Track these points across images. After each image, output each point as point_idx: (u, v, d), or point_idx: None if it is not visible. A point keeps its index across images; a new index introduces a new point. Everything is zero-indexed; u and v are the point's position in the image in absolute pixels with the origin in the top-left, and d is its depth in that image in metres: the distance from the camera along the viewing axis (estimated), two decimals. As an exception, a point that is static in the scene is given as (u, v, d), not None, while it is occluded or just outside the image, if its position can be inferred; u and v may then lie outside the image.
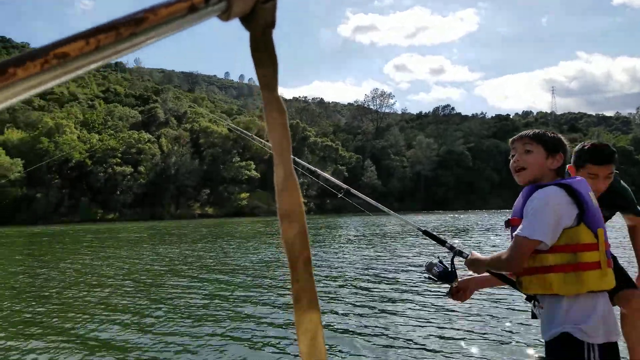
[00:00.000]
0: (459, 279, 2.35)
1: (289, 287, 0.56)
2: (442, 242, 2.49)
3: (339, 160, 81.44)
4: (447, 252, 2.45)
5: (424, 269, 2.37)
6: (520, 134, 2.16)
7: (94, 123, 69.68)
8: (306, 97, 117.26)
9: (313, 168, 3.42)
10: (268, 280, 9.76)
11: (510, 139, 2.18)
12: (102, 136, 66.18)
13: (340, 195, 3.27)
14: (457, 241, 17.64)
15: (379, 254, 14.57)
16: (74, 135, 63.21)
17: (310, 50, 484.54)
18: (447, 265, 2.32)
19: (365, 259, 13.34)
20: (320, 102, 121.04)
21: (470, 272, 2.25)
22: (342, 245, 18.43)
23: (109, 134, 67.64)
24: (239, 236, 24.58)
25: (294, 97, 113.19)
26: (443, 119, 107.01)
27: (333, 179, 3.37)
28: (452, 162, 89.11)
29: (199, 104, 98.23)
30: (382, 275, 10.09)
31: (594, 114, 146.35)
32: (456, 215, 46.14)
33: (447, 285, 2.34)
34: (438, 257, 2.38)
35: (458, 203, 79.80)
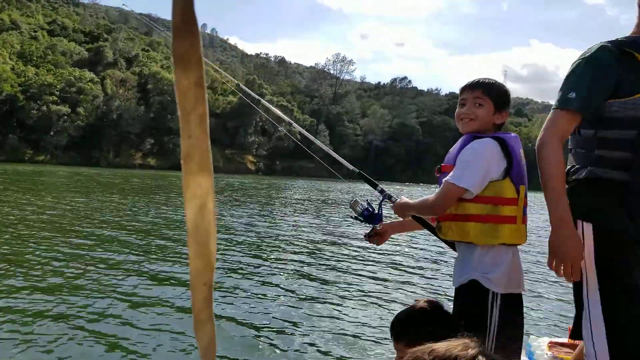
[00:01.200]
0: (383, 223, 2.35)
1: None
2: (374, 185, 2.44)
3: (293, 121, 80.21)
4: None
5: (349, 206, 2.37)
6: (471, 83, 2.12)
7: (32, 55, 64.54)
8: (268, 54, 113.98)
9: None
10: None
11: (461, 87, 2.14)
12: (40, 70, 61.41)
13: (281, 128, 2.87)
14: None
15: (314, 220, 14.13)
16: (7, 66, 58.33)
17: (277, 5, 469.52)
18: (374, 207, 2.31)
19: (300, 225, 12.86)
20: (282, 61, 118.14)
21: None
22: (280, 209, 17.87)
23: (48, 69, 62.85)
24: (177, 191, 23.39)
25: (255, 54, 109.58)
26: (399, 92, 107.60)
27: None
28: (403, 135, 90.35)
29: (154, 48, 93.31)
30: (312, 246, 9.62)
31: (540, 102, 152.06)
32: (402, 187, 47.00)
33: (369, 226, 2.32)
34: (366, 199, 2.36)
35: (405, 175, 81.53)
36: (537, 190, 1.98)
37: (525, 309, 2.04)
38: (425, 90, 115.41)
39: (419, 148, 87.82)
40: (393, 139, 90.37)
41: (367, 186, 2.47)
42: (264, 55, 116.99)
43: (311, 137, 2.97)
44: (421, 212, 2.17)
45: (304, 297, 5.90)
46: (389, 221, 2.39)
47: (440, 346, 0.83)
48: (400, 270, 7.92)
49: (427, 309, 1.84)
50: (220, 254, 8.04)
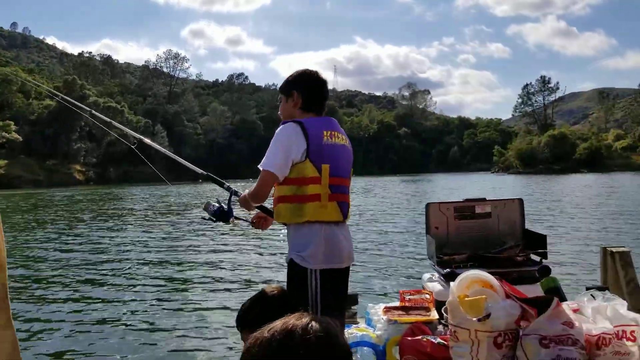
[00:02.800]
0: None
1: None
2: (220, 184, 2.51)
3: (125, 123, 74.41)
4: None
5: (202, 208, 2.41)
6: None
7: None
8: (91, 52, 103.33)
9: (107, 119, 3.16)
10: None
11: None
12: None
13: (133, 147, 2.97)
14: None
15: (155, 229, 13.42)
16: None
17: (99, 2, 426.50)
18: (224, 205, 2.36)
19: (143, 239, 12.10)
20: (107, 59, 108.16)
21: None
22: (123, 220, 16.57)
23: None
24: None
25: (78, 53, 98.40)
26: (238, 88, 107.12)
27: (126, 129, 3.08)
28: (245, 131, 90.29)
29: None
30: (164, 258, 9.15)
31: (367, 93, 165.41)
32: (244, 184, 46.98)
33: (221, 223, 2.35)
34: (217, 199, 2.40)
35: (249, 171, 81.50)
36: (379, 175, 2.15)
37: (360, 281, 2.23)
38: (263, 86, 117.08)
39: (262, 143, 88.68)
40: (235, 135, 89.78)
41: (213, 186, 2.53)
42: (87, 54, 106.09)
43: (149, 142, 2.95)
44: (251, 202, 2.22)
45: (154, 298, 5.82)
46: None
47: (277, 322, 0.91)
48: (251, 262, 8.21)
49: (275, 294, 1.90)
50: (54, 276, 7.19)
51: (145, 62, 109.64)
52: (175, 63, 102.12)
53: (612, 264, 2.62)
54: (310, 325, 0.88)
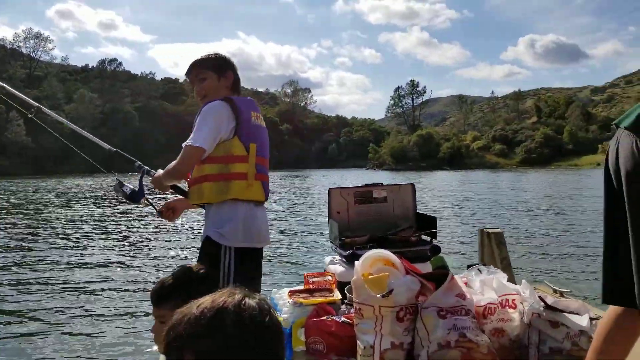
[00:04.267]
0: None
1: None
2: (132, 161, 2.48)
3: (-30, 108, 64.89)
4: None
5: (112, 190, 2.37)
6: (189, 66, 2.24)
7: None
8: None
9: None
10: None
11: (185, 73, 2.27)
12: None
13: (30, 116, 2.88)
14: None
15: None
16: None
17: None
18: (135, 186, 2.30)
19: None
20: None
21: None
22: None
23: None
24: None
25: None
26: (110, 74, 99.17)
27: (21, 95, 2.86)
28: (117, 121, 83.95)
29: None
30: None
31: (249, 89, 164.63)
32: (120, 178, 44.03)
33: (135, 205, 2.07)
34: (126, 180, 2.36)
35: (123, 164, 76.21)
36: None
37: (264, 267, 2.23)
38: (139, 74, 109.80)
39: (136, 134, 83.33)
40: (106, 125, 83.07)
41: (82, 180, 2.31)
42: None
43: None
44: (168, 180, 2.15)
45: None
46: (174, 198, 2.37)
47: (207, 298, 0.84)
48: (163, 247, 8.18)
49: (192, 269, 1.74)
50: None
51: (1, 39, 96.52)
52: (36, 44, 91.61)
53: (488, 243, 2.89)
54: (243, 302, 0.82)
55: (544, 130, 77.54)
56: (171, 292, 1.60)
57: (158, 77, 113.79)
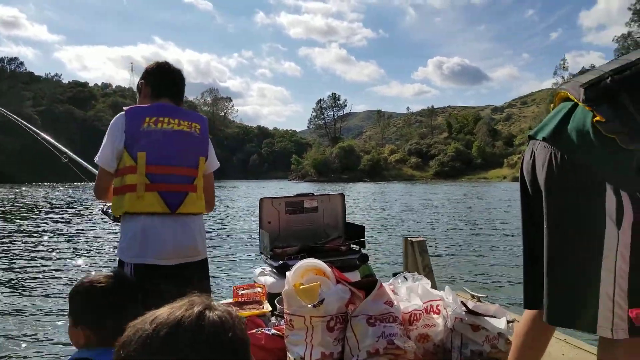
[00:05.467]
0: None
1: None
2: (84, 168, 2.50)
3: None
4: None
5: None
6: None
7: None
8: None
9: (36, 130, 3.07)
10: None
11: None
12: None
13: (65, 161, 2.91)
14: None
15: None
16: None
17: None
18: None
19: None
20: None
21: None
22: None
23: None
24: None
25: None
26: (10, 75, 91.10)
27: (55, 142, 2.95)
28: (16, 126, 76.94)
29: None
30: None
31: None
32: (16, 190, 40.60)
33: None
34: None
35: (26, 175, 70.11)
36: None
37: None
38: (43, 76, 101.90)
39: (38, 141, 76.90)
40: (3, 132, 76.02)
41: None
42: None
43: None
44: (97, 197, 2.07)
45: None
46: None
47: (163, 311, 0.75)
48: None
49: (103, 278, 1.50)
50: None
51: None
52: None
53: (412, 251, 2.99)
54: (202, 316, 0.74)
55: (455, 145, 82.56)
56: (83, 303, 1.42)
57: (65, 80, 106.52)
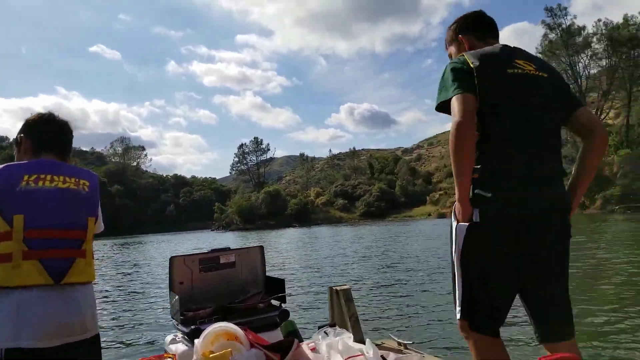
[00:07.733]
0: None
1: None
2: None
3: None
4: None
5: None
6: None
7: None
8: None
9: None
10: None
11: None
12: None
13: None
14: None
15: None
16: None
17: None
18: None
19: None
20: None
21: None
22: None
23: None
24: None
25: None
26: None
27: None
28: None
29: None
30: None
31: (76, 149, 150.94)
32: None
33: None
34: None
35: None
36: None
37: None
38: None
39: None
40: None
41: None
42: None
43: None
44: None
45: None
46: None
47: None
48: None
49: None
50: None
51: None
52: None
53: (337, 301, 2.90)
54: None
55: (379, 184, 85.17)
56: None
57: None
